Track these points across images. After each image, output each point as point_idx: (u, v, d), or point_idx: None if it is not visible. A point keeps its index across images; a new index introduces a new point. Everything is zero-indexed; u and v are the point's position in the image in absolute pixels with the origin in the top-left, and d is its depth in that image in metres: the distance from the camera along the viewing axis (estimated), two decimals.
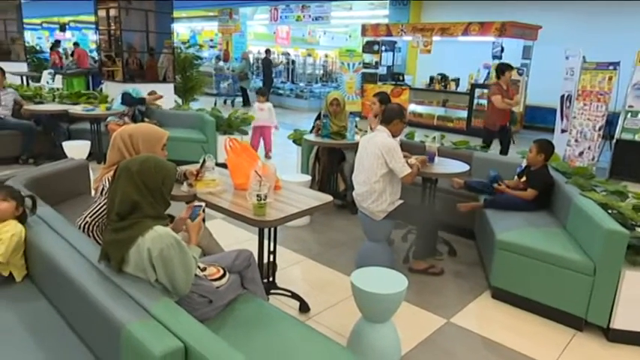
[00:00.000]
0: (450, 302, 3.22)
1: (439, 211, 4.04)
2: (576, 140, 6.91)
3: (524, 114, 10.83)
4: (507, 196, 3.73)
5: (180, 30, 20.48)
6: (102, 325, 1.66)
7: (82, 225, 2.34)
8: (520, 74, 9.43)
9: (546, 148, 3.69)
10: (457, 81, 10.85)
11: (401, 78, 11.90)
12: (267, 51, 13.99)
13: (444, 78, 11.00)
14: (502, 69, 6.33)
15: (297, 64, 15.36)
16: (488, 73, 10.10)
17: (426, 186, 3.90)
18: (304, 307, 3.00)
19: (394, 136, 3.48)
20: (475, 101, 10.04)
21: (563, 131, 7.32)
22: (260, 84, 13.52)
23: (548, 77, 9.39)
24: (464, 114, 10.32)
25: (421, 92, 11.31)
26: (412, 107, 11.13)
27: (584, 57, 6.89)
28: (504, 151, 6.37)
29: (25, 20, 13.03)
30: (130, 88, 6.64)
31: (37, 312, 2.10)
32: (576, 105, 6.88)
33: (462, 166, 3.87)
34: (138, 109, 6.33)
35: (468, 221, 4.14)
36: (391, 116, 3.48)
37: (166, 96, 8.21)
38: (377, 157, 3.32)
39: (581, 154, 6.88)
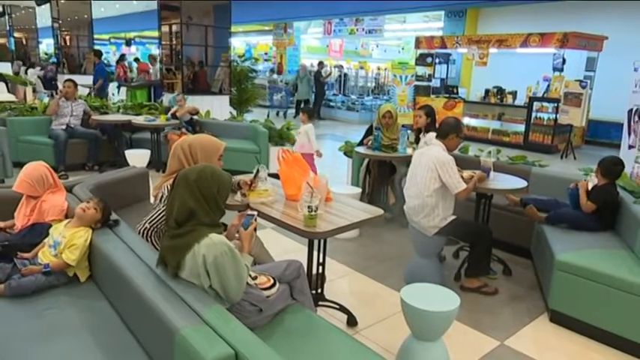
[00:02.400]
0: (504, 324, 3.09)
1: (494, 228, 3.90)
2: None
3: (586, 128, 10.33)
4: (570, 213, 3.55)
5: (237, 44, 21.15)
6: (157, 328, 1.72)
7: (142, 230, 2.44)
8: (583, 87, 9.02)
9: (611, 171, 3.46)
10: (514, 94, 10.52)
11: (455, 91, 11.70)
12: (320, 63, 14.10)
13: (500, 91, 10.70)
14: None
15: (349, 76, 15.42)
16: (548, 86, 9.74)
17: (481, 202, 3.78)
18: (352, 321, 2.97)
19: (450, 150, 3.41)
20: (533, 115, 9.68)
21: (630, 147, 6.88)
22: (313, 97, 13.69)
23: (614, 90, 8.92)
24: (521, 128, 9.98)
25: (476, 105, 11.05)
26: (466, 120, 10.87)
27: None
28: None
29: (94, 36, 13.95)
30: (171, 96, 6.90)
31: (97, 312, 2.20)
32: None
33: (518, 182, 3.71)
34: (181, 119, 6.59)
35: (525, 240, 3.98)
36: (447, 131, 3.41)
37: (222, 107, 8.50)
38: (430, 171, 3.26)
39: None
